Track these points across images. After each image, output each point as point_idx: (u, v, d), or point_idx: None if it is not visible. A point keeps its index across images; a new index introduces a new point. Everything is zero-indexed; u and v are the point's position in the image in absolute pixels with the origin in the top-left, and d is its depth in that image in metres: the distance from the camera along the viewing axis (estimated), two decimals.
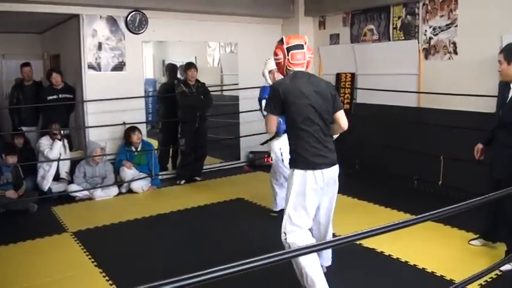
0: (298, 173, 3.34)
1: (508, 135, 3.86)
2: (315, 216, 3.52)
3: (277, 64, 3.48)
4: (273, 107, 3.36)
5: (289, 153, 3.46)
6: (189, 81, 7.03)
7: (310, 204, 3.36)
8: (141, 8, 6.91)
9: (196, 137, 7.06)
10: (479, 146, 4.26)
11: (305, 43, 3.40)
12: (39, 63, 9.33)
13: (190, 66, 7.14)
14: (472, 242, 4.44)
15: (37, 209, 5.86)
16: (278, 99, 3.30)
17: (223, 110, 9.09)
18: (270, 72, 5.10)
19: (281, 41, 3.42)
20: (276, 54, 3.43)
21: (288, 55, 3.37)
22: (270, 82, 4.97)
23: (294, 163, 3.39)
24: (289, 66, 3.40)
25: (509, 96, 3.87)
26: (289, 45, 3.37)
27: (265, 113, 3.61)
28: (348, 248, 4.05)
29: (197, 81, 7.12)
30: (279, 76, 4.39)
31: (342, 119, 3.45)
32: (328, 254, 3.81)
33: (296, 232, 3.35)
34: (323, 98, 3.31)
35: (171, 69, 8.33)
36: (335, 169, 3.44)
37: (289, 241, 3.35)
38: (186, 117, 7.00)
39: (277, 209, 5.38)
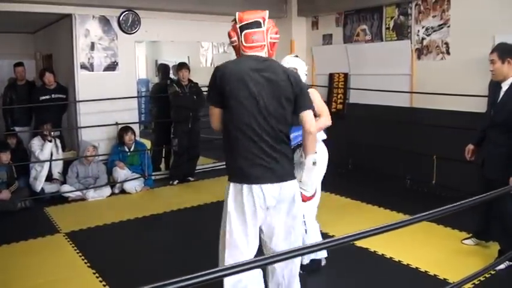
0: (231, 187, 2.70)
1: (499, 135, 3.89)
2: (266, 247, 2.84)
3: (234, 48, 2.78)
4: (211, 96, 2.73)
5: (225, 159, 2.81)
6: (181, 81, 7.02)
7: (250, 228, 2.68)
8: (134, 8, 6.90)
9: (189, 137, 7.05)
10: (470, 146, 4.29)
11: (263, 20, 2.68)
12: (32, 63, 9.28)
13: (182, 66, 7.13)
14: (465, 242, 4.46)
15: (30, 205, 5.92)
16: (215, 87, 2.67)
17: None
18: None
19: (235, 19, 2.74)
20: (229, 35, 2.75)
21: (241, 36, 2.68)
22: None
23: (228, 173, 2.75)
24: (244, 51, 2.70)
25: (501, 96, 3.89)
26: (242, 23, 2.68)
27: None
28: (340, 248, 4.07)
29: (190, 81, 7.11)
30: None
31: (307, 121, 2.74)
32: None
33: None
34: (278, 92, 2.62)
35: (163, 69, 8.32)
36: (285, 187, 2.69)
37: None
38: (179, 118, 6.99)
39: None
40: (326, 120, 3.76)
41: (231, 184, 2.69)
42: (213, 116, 2.77)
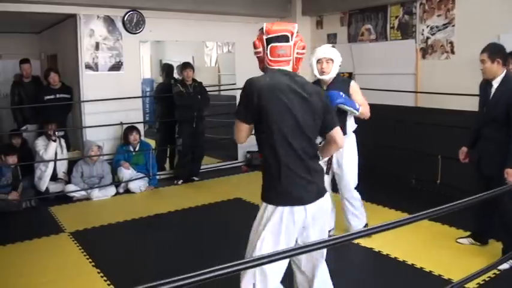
0: (270, 209, 2.52)
1: (494, 132, 3.94)
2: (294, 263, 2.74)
3: (258, 58, 2.68)
4: (245, 112, 2.58)
5: (262, 179, 2.64)
6: (186, 81, 7.03)
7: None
8: (138, 8, 6.90)
9: (194, 137, 7.06)
10: (464, 149, 4.37)
11: (292, 34, 2.57)
12: (37, 63, 9.30)
13: (186, 66, 7.14)
14: (459, 241, 4.46)
15: (35, 205, 5.97)
16: (250, 102, 2.52)
17: (221, 110, 9.10)
18: (318, 61, 4.20)
19: (262, 29, 2.62)
20: (255, 45, 2.64)
21: (267, 49, 2.59)
22: (317, 74, 4.24)
23: (266, 194, 2.59)
24: (269, 64, 2.60)
25: (492, 93, 3.97)
26: (269, 35, 2.57)
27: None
28: (345, 248, 4.06)
29: (194, 80, 7.12)
30: (328, 67, 4.15)
31: (338, 137, 2.71)
32: None
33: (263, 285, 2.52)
34: (310, 109, 2.55)
35: (167, 69, 8.33)
36: (323, 202, 2.60)
37: None
38: (184, 117, 7.00)
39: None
40: (367, 110, 4.32)
41: (268, 206, 2.53)
42: (240, 131, 2.63)
